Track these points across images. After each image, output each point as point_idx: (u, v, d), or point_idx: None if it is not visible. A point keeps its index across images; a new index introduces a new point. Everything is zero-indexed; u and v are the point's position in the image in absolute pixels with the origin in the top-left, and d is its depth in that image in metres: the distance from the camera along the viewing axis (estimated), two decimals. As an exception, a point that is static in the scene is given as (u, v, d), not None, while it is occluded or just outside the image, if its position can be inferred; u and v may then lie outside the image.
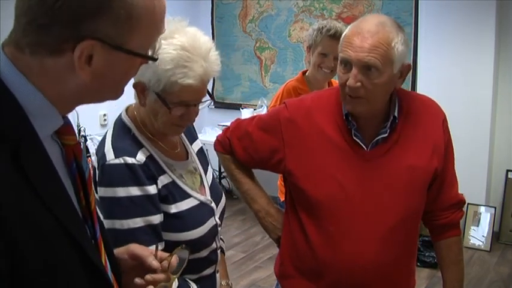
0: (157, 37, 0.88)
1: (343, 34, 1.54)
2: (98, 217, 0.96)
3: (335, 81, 2.74)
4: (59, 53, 0.78)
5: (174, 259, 1.06)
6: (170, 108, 1.36)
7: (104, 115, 4.67)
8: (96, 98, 0.89)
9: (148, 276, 1.02)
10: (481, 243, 4.29)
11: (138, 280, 1.02)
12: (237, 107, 5.20)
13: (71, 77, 0.80)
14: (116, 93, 0.90)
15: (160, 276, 1.02)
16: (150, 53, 0.87)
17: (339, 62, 1.53)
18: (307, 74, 2.83)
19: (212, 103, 5.45)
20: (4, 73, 0.79)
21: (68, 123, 0.89)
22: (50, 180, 0.82)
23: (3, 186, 0.73)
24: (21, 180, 0.75)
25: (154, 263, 1.02)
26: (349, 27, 1.53)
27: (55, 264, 0.78)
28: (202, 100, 1.41)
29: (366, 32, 1.46)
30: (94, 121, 4.53)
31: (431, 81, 4.37)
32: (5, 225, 0.71)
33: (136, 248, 1.06)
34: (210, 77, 1.37)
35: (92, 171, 0.97)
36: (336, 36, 2.54)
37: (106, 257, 0.93)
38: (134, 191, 1.33)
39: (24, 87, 0.80)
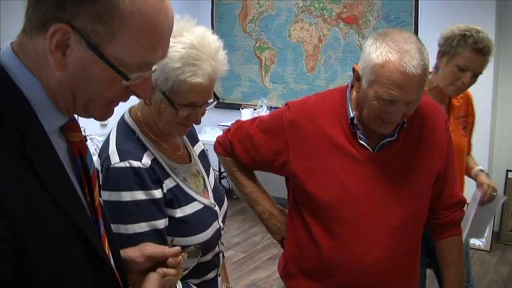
0: (142, 58, 0.83)
1: (379, 61, 1.42)
2: (103, 214, 0.97)
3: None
4: (43, 32, 0.78)
5: (185, 256, 1.10)
6: (177, 109, 1.34)
7: (104, 115, 4.66)
8: (77, 105, 0.85)
9: (160, 270, 1.05)
10: (481, 243, 4.29)
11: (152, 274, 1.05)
12: (237, 107, 5.19)
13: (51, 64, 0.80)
14: (96, 108, 0.86)
15: (171, 270, 1.06)
16: (134, 75, 0.83)
17: (377, 97, 1.44)
18: (430, 77, 2.27)
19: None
20: (11, 68, 0.81)
21: (73, 121, 0.90)
22: (56, 172, 0.82)
23: (9, 177, 0.73)
24: (28, 171, 0.76)
25: (173, 250, 1.07)
26: (384, 53, 1.42)
27: (59, 255, 0.79)
28: (209, 101, 1.40)
29: (413, 69, 1.39)
30: (94, 121, 4.51)
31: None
32: (10, 215, 0.72)
33: (149, 248, 1.08)
34: (218, 76, 1.36)
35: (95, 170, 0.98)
36: (483, 52, 2.15)
37: (110, 253, 0.94)
38: (140, 195, 1.31)
39: (29, 81, 0.81)
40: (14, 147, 0.76)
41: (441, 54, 2.22)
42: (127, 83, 0.83)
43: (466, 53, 2.14)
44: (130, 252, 1.05)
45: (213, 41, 1.35)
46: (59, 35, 0.77)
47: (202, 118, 1.42)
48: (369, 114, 1.51)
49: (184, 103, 1.34)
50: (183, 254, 1.09)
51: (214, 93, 1.41)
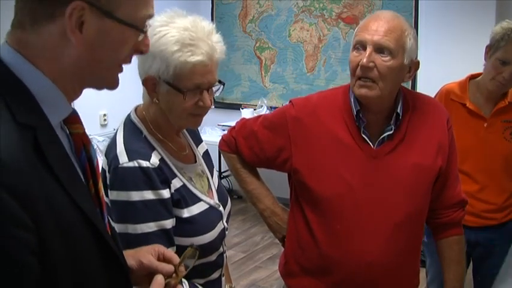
0: (145, 12, 0.89)
1: (359, 25, 1.59)
2: (107, 208, 0.99)
3: None
4: (52, 19, 0.81)
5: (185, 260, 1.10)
6: (184, 93, 1.32)
7: (104, 115, 4.66)
8: (93, 77, 0.89)
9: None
10: None
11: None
12: (237, 107, 5.20)
13: (65, 46, 0.83)
14: (111, 75, 0.91)
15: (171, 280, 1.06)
16: (146, 29, 0.89)
17: (352, 46, 1.58)
18: (478, 79, 2.33)
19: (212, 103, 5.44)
20: (14, 65, 0.82)
21: (75, 113, 0.91)
22: (66, 165, 0.85)
23: (30, 173, 0.75)
24: (43, 167, 0.78)
25: (167, 269, 1.06)
26: (365, 18, 1.60)
27: (77, 248, 0.81)
28: (215, 85, 1.39)
29: (383, 18, 1.54)
30: (94, 121, 4.53)
31: (431, 81, 4.36)
32: (34, 210, 0.74)
33: (145, 260, 1.08)
34: (217, 54, 1.35)
35: (99, 161, 0.99)
36: None
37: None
38: (148, 195, 1.31)
39: (33, 74, 0.82)
40: (29, 143, 0.77)
41: (488, 48, 2.23)
42: (141, 37, 0.90)
43: (508, 46, 2.13)
44: (128, 260, 1.05)
45: (205, 24, 1.36)
46: (76, 13, 0.80)
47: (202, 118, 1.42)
48: (351, 75, 1.57)
49: (190, 86, 1.33)
50: (180, 267, 1.09)
51: (219, 80, 1.41)
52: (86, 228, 0.84)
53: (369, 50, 1.51)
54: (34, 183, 0.75)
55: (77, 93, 0.90)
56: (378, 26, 1.52)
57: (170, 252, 1.11)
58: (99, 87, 0.92)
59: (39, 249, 0.74)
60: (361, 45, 1.54)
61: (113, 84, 0.92)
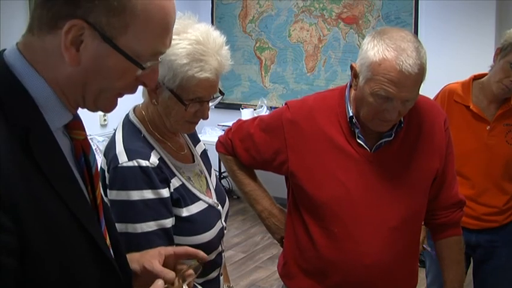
0: (154, 48, 0.85)
1: (376, 59, 1.43)
2: (107, 214, 0.98)
3: None
4: (55, 30, 0.80)
5: (189, 271, 1.09)
6: (186, 105, 1.34)
7: (104, 115, 4.67)
8: (87, 98, 0.87)
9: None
10: None
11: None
12: (237, 107, 5.20)
13: (61, 60, 0.82)
14: (104, 100, 0.88)
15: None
16: (148, 64, 0.85)
17: (373, 93, 1.45)
18: (482, 79, 2.26)
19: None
20: (16, 67, 0.82)
21: (77, 119, 0.91)
22: (60, 168, 0.84)
23: (13, 172, 0.75)
24: (32, 167, 0.78)
25: (169, 276, 1.03)
26: (381, 51, 1.43)
27: (63, 249, 0.80)
28: (214, 96, 1.40)
29: (409, 67, 1.40)
30: (94, 121, 4.54)
31: (431, 82, 4.36)
32: (14, 209, 0.73)
33: (147, 263, 1.06)
34: (223, 71, 1.37)
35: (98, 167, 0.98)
36: None
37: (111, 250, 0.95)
38: (148, 194, 1.32)
39: (35, 79, 0.83)
40: (18, 144, 0.77)
41: (499, 50, 2.17)
42: (141, 73, 0.85)
43: None
44: (131, 264, 1.05)
45: (217, 36, 1.36)
46: (74, 31, 0.79)
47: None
48: (367, 113, 1.51)
49: (191, 98, 1.35)
50: (185, 272, 1.08)
51: (220, 89, 1.42)
52: (78, 230, 0.83)
53: (396, 105, 1.44)
54: (17, 183, 0.74)
55: (79, 104, 0.88)
56: (406, 80, 1.40)
57: (180, 249, 1.11)
58: (92, 109, 0.89)
59: (21, 250, 0.73)
60: (387, 99, 1.44)
61: (108, 109, 0.90)
